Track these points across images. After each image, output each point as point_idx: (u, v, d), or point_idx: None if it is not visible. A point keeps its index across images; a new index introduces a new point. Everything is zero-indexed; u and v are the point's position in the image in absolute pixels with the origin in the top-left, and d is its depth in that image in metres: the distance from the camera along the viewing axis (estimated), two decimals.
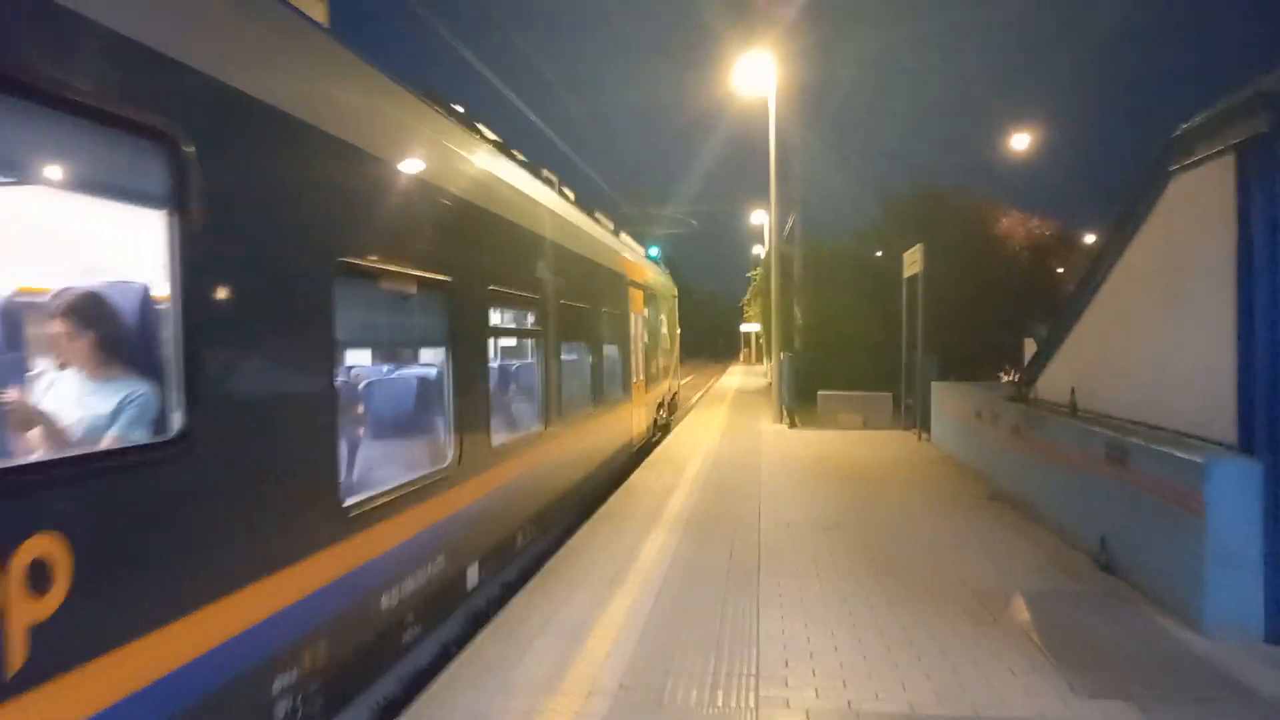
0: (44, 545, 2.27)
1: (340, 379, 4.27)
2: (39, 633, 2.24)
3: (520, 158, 7.83)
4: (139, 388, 3.05)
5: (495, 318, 6.77)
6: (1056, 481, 7.84)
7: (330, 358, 3.89)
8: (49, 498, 2.36)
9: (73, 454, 2.82)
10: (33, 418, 2.84)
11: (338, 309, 3.83)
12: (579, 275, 9.50)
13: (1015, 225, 28.95)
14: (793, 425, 17.26)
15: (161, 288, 2.92)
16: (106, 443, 2.90)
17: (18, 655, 2.18)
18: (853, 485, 10.35)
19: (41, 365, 3.31)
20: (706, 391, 30.30)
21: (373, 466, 4.87)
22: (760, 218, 43.26)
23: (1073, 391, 8.05)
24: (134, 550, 2.61)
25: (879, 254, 24.68)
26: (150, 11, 2.83)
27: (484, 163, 6.28)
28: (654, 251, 25.10)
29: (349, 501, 3.94)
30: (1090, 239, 47.38)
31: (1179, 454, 5.55)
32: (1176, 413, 6.24)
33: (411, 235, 4.84)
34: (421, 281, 4.90)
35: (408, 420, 5.47)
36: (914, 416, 15.75)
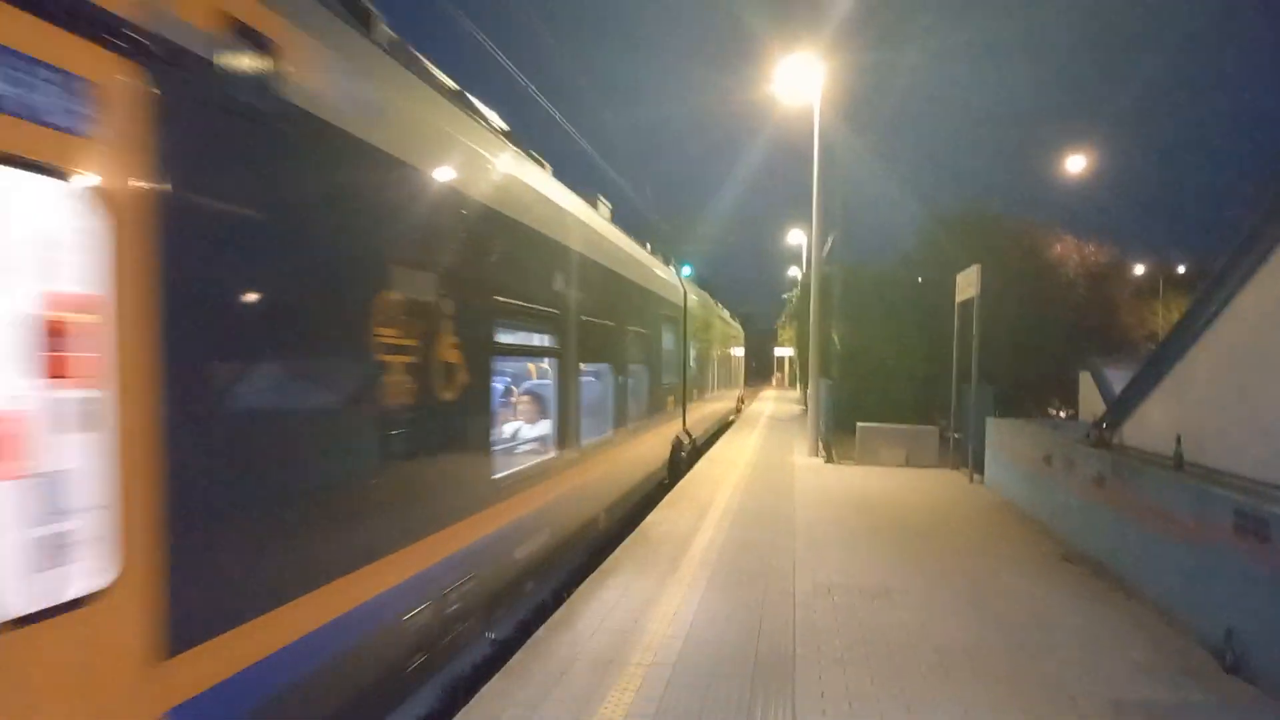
0: None
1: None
2: None
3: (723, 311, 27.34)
4: None
5: (716, 360, 22.02)
6: (1157, 550, 6.47)
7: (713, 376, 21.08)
8: None
9: None
10: None
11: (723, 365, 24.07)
12: (730, 341, 26.72)
13: (1069, 252, 27.37)
14: (829, 459, 15.90)
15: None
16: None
17: None
18: (902, 536, 9.00)
19: None
20: (737, 416, 28.93)
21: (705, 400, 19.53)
22: (797, 238, 42.07)
23: (1178, 440, 6.68)
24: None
25: (920, 279, 23.25)
26: None
27: (725, 318, 26.44)
28: (687, 270, 24.34)
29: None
30: (1140, 269, 45.64)
31: None
32: None
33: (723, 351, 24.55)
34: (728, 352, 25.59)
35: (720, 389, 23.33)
36: (963, 454, 14.32)
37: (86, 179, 2.24)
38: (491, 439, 5.16)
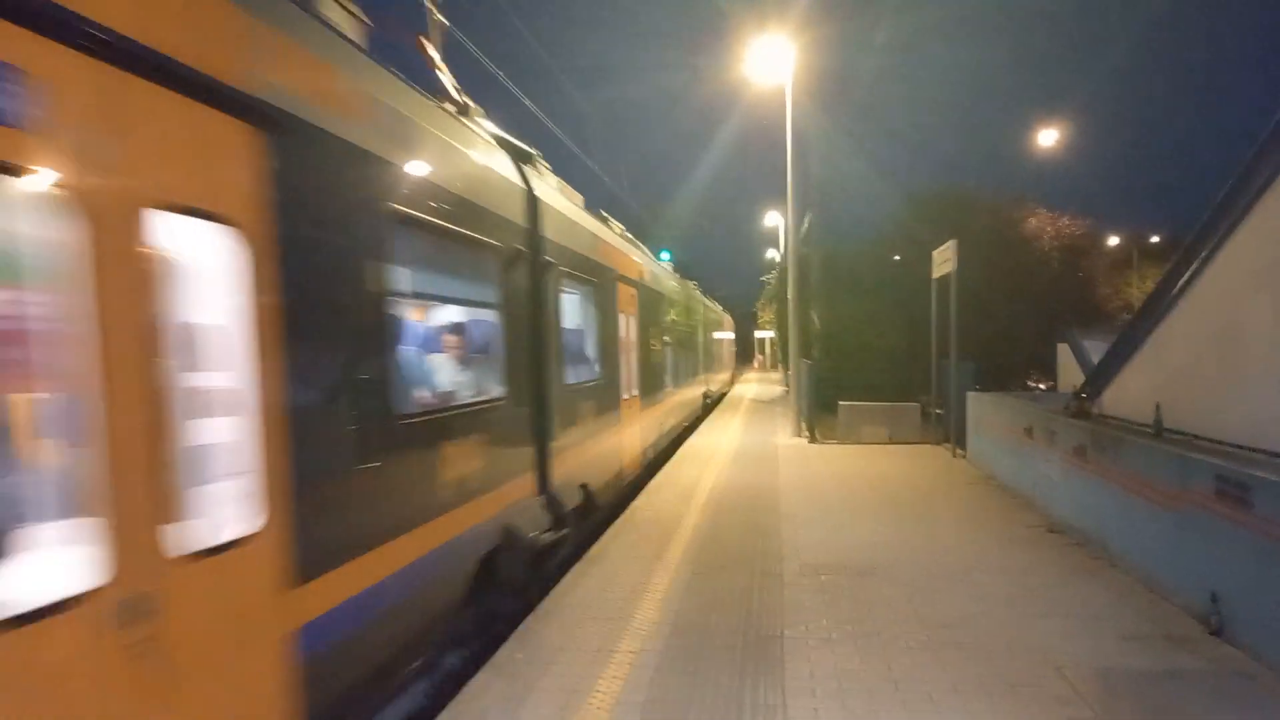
0: None
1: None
2: None
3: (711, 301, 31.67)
4: None
5: (719, 346, 30.97)
6: (1139, 517, 6.48)
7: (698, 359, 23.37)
8: None
9: None
10: None
11: (723, 349, 34.50)
12: (725, 328, 35.28)
13: (1044, 224, 27.48)
14: (813, 439, 15.92)
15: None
16: None
17: None
18: (887, 513, 9.00)
19: None
20: (730, 387, 29.27)
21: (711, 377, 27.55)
22: (774, 219, 42.06)
23: (1157, 408, 6.70)
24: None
25: (897, 258, 23.27)
26: None
27: (720, 311, 34.26)
28: (665, 256, 24.28)
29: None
30: (1114, 241, 46.09)
31: None
32: None
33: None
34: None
35: (722, 368, 33.36)
36: (945, 430, 14.38)
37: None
38: (674, 373, 15.56)
